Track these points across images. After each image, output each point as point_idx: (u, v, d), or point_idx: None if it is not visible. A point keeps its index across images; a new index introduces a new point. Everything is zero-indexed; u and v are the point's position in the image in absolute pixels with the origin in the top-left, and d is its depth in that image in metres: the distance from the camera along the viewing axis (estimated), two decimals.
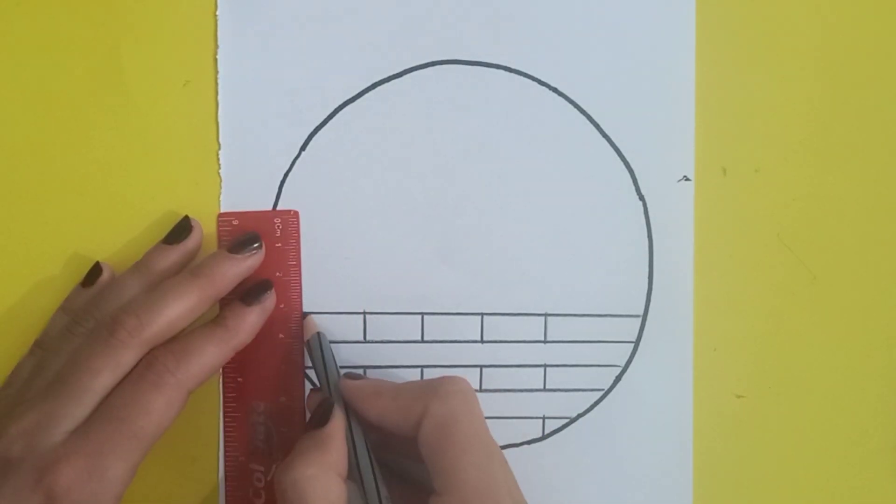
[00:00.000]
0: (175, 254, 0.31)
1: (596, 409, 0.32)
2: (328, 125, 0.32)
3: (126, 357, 0.27)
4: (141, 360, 0.28)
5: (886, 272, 0.33)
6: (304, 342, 0.31)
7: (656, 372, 0.32)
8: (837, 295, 0.33)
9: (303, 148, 0.32)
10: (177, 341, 0.29)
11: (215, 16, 0.32)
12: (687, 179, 0.33)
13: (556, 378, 0.32)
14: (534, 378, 0.32)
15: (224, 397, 0.32)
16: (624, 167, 0.32)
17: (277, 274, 0.31)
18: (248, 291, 0.30)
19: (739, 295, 0.32)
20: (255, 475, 0.31)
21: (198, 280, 0.29)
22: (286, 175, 0.32)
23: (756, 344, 0.32)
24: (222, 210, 0.32)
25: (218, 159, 0.31)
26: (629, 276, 0.32)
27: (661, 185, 0.32)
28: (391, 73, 0.32)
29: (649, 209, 0.32)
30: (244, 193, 0.32)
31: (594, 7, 0.32)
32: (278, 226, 0.32)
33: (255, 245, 0.31)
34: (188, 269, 0.30)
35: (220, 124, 0.31)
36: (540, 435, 0.32)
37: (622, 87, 0.32)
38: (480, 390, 0.32)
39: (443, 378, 0.28)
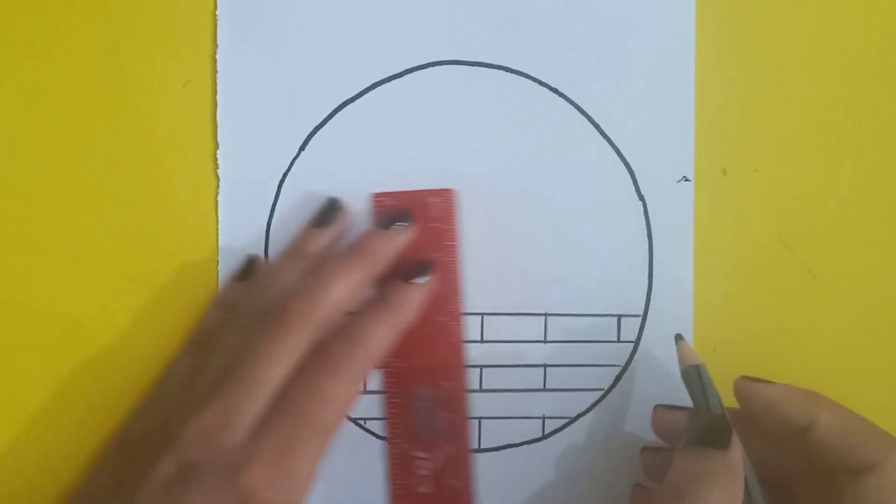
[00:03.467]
0: (327, 236, 0.30)
1: (596, 409, 0.32)
2: (328, 125, 0.32)
3: (298, 343, 0.26)
4: (312, 349, 0.26)
5: (886, 272, 0.33)
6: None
7: (656, 372, 0.32)
8: (837, 295, 0.33)
9: (302, 148, 0.32)
10: (346, 326, 0.27)
11: (215, 16, 0.32)
12: (687, 180, 0.33)
13: (556, 378, 0.32)
14: (534, 378, 0.32)
15: (385, 384, 0.31)
16: (624, 167, 0.32)
17: (434, 254, 0.31)
18: (409, 270, 0.29)
19: (739, 295, 0.32)
20: (418, 463, 0.31)
21: (358, 258, 0.28)
22: (285, 175, 0.32)
23: (756, 344, 0.32)
24: (220, 209, 0.32)
25: (216, 159, 0.31)
26: (629, 276, 0.32)
27: (661, 185, 0.32)
28: (391, 73, 0.32)
29: (649, 209, 0.32)
30: (243, 193, 0.32)
31: (594, 7, 0.32)
32: (434, 205, 0.31)
33: (405, 221, 0.30)
34: (345, 248, 0.29)
35: (219, 124, 0.31)
36: (540, 435, 0.32)
37: (622, 87, 0.32)
38: (480, 390, 0.32)
39: None
